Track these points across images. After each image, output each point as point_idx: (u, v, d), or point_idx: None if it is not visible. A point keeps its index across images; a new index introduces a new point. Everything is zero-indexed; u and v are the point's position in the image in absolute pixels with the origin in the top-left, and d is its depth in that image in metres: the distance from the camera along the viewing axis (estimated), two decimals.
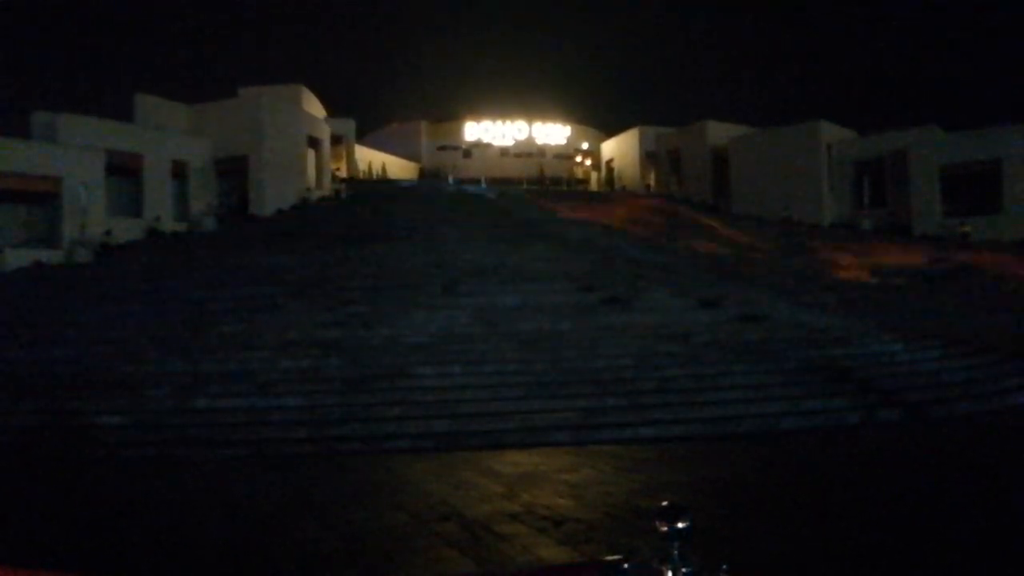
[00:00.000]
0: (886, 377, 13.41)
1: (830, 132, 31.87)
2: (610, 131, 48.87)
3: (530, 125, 51.27)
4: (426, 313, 15.31)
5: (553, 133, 51.49)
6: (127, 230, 23.47)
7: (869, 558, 5.19)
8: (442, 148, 49.81)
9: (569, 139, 51.62)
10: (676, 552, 1.97)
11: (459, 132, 50.51)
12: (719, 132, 36.20)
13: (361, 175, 39.86)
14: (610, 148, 46.79)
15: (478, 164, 48.53)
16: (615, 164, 45.37)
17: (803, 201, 30.96)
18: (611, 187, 44.26)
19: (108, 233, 22.50)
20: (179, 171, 26.16)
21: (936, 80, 77.74)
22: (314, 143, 30.91)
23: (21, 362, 13.25)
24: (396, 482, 8.20)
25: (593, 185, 47.60)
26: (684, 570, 1.96)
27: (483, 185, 38.22)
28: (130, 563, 5.43)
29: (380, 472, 8.83)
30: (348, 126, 38.96)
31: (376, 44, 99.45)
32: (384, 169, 43.14)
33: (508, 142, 50.82)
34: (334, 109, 37.14)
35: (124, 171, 24.39)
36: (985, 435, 10.67)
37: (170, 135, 26.36)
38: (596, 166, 49.34)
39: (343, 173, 36.97)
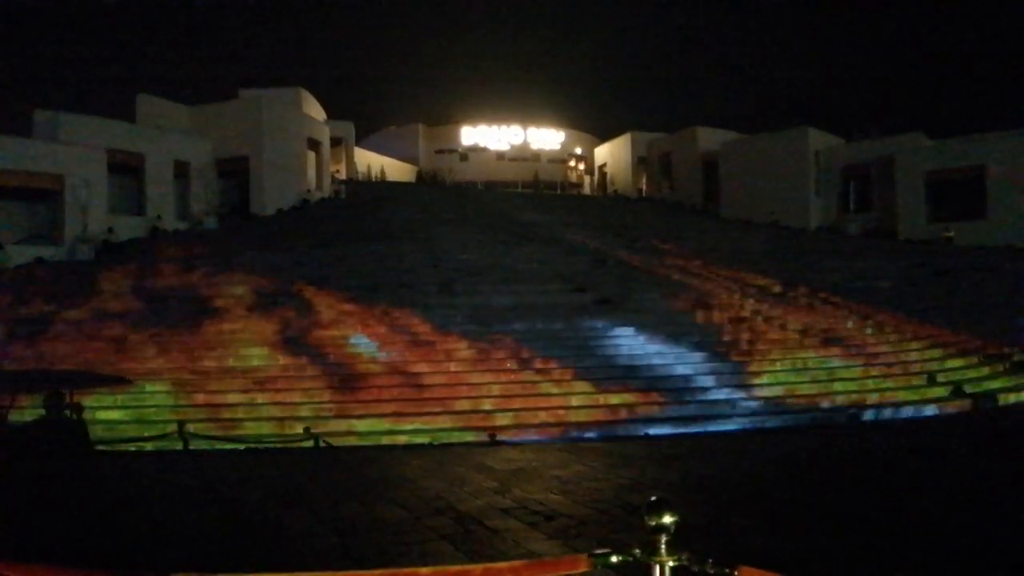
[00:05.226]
0: (870, 377, 13.74)
1: (818, 138, 32.17)
2: (603, 136, 49.14)
3: (525, 130, 51.45)
4: (422, 312, 15.54)
5: (548, 138, 51.69)
6: (129, 228, 23.62)
7: (855, 554, 5.31)
8: (439, 152, 49.96)
9: (563, 144, 51.84)
10: (663, 546, 2.21)
11: (456, 136, 50.65)
12: (710, 138, 36.47)
13: (360, 177, 39.99)
14: (603, 153, 47.01)
15: (474, 168, 48.70)
16: (608, 169, 45.59)
17: (791, 206, 31.27)
18: (604, 191, 44.48)
19: (110, 231, 22.66)
20: (181, 171, 26.26)
21: (922, 88, 78.22)
22: (314, 145, 31.04)
23: (21, 357, 13.42)
24: (390, 477, 8.28)
25: (586, 189, 47.84)
26: (671, 564, 2.22)
27: None
28: (125, 556, 5.49)
29: (375, 467, 8.95)
30: (347, 129, 39.07)
31: (375, 49, 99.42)
32: (383, 171, 43.25)
33: (504, 146, 50.97)
34: (333, 112, 37.28)
35: (126, 170, 24.50)
36: (971, 434, 10.91)
37: (171, 135, 26.46)
38: (589, 170, 49.55)
39: (342, 175, 37.09)
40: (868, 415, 12.27)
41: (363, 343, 14.27)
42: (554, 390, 12.75)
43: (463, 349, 14.08)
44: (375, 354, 13.84)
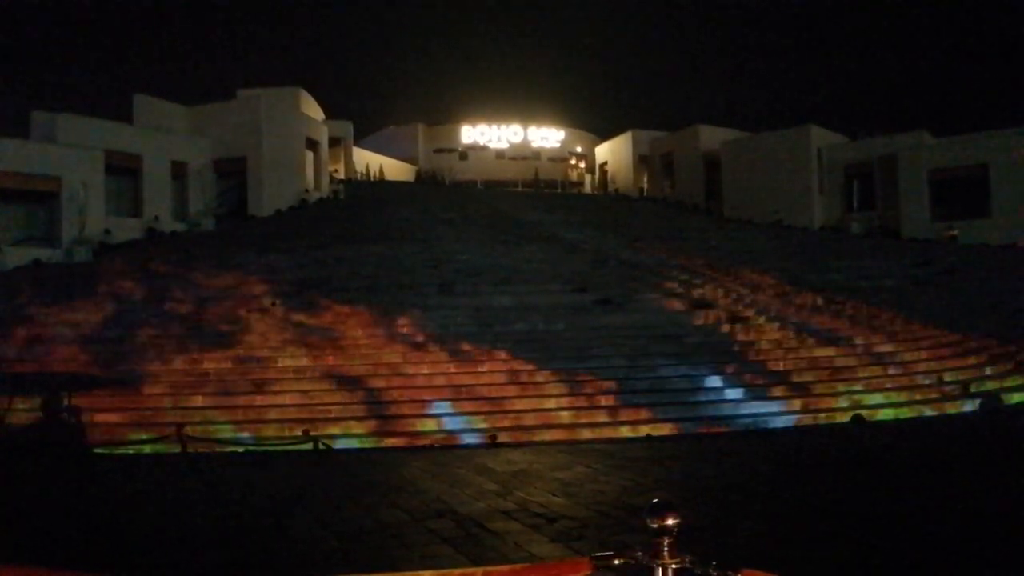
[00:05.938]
0: (874, 378, 13.66)
1: (821, 137, 32.07)
2: (604, 135, 49.08)
3: (525, 129, 51.41)
4: (422, 312, 15.47)
5: (548, 137, 51.65)
6: (126, 230, 23.56)
7: (858, 556, 5.28)
8: (439, 151, 49.92)
9: (563, 143, 51.81)
10: (666, 548, 2.15)
11: (455, 135, 50.62)
12: (711, 136, 36.36)
13: (359, 177, 39.97)
14: (604, 151, 46.94)
15: (474, 167, 48.66)
16: (609, 167, 45.52)
17: (794, 204, 31.19)
18: (605, 190, 44.45)
19: (107, 232, 22.61)
20: (178, 171, 26.20)
21: (925, 86, 78.23)
22: (312, 145, 30.97)
23: (19, 359, 13.37)
24: (391, 479, 8.28)
25: (587, 188, 47.82)
26: (673, 566, 2.15)
27: None
28: (127, 560, 5.48)
29: (375, 469, 8.94)
30: (346, 128, 39.03)
31: (374, 48, 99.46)
32: (382, 171, 43.23)
33: (504, 145, 50.95)
34: (332, 112, 37.22)
35: (123, 171, 24.41)
36: (975, 435, 10.86)
37: (169, 136, 26.39)
38: (590, 169, 49.53)
39: (341, 175, 37.05)
40: (872, 415, 12.18)
41: (363, 344, 14.21)
42: (555, 391, 12.67)
43: (463, 349, 14.00)
44: (376, 356, 13.77)
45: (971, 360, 14.93)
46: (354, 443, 11.00)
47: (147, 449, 10.57)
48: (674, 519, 2.20)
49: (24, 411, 11.54)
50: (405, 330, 14.65)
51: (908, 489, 7.51)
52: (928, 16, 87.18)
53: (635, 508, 6.54)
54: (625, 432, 11.41)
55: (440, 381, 12.94)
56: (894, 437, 10.71)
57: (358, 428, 11.46)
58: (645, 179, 41.99)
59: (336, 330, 14.69)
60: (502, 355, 13.78)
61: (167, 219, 25.22)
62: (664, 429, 11.57)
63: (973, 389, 13.40)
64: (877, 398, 12.90)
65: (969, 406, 12.79)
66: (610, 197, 41.26)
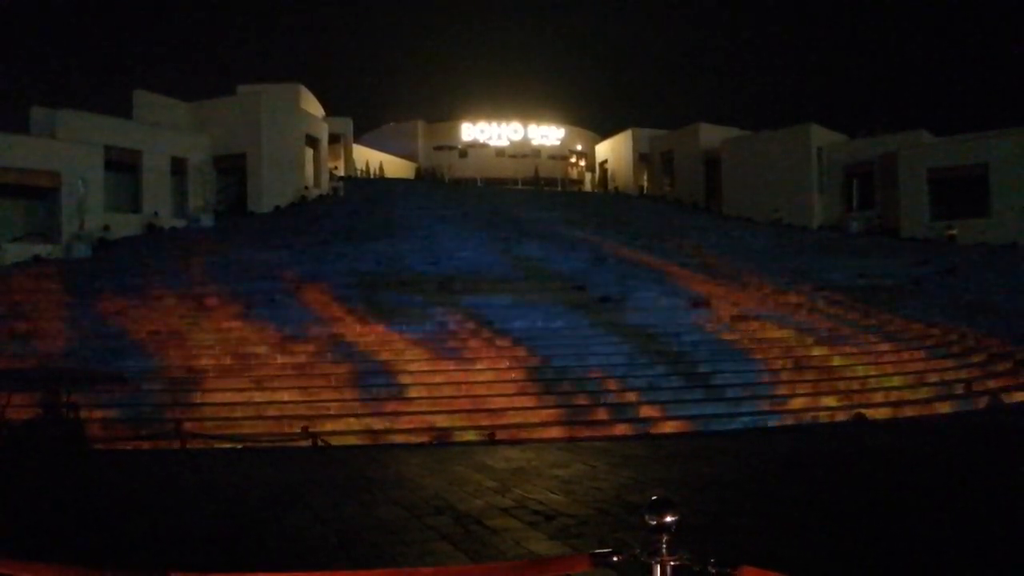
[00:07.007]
0: (872, 376, 13.66)
1: (820, 135, 32.08)
2: (604, 133, 49.10)
3: (525, 126, 51.37)
4: (421, 310, 15.46)
5: (548, 134, 51.61)
6: (125, 225, 23.54)
7: (856, 554, 5.29)
8: (439, 148, 49.92)
9: (564, 140, 51.78)
10: (664, 546, 2.16)
11: (455, 132, 50.59)
12: (711, 135, 36.38)
13: (359, 174, 39.97)
14: (604, 149, 46.94)
15: (474, 164, 48.66)
16: (609, 165, 45.52)
17: (793, 203, 31.20)
18: (605, 188, 44.45)
19: (106, 228, 22.58)
20: (178, 167, 26.18)
21: (925, 85, 78.22)
22: (312, 142, 30.96)
23: (17, 356, 13.35)
24: (389, 476, 8.29)
25: (587, 186, 47.82)
26: (672, 563, 2.16)
27: None
28: (125, 556, 5.49)
29: (373, 466, 8.94)
30: (346, 125, 39.05)
31: (374, 44, 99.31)
32: (382, 168, 43.22)
33: (503, 143, 50.91)
34: (332, 108, 37.22)
35: (123, 167, 24.39)
36: (974, 434, 10.87)
37: (169, 132, 26.37)
38: (590, 167, 49.54)
39: (341, 171, 37.04)
40: (871, 414, 12.18)
41: (362, 341, 14.20)
42: (554, 388, 12.67)
43: (462, 346, 14.01)
44: (375, 353, 13.76)
45: (971, 359, 14.93)
46: (352, 439, 10.99)
47: (145, 445, 10.56)
48: (673, 516, 2.21)
49: (22, 406, 11.51)
50: (404, 327, 14.63)
51: (908, 487, 7.51)
52: (928, 16, 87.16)
53: (634, 506, 6.55)
54: (623, 430, 11.41)
55: (439, 378, 12.94)
56: (893, 436, 10.72)
57: (356, 425, 11.45)
58: (645, 177, 42.00)
59: (335, 327, 14.69)
60: (501, 352, 13.78)
61: (166, 215, 25.21)
62: (663, 427, 11.58)
63: (973, 388, 13.40)
64: (877, 397, 12.90)
65: (969, 405, 12.80)
66: (610, 195, 41.28)
